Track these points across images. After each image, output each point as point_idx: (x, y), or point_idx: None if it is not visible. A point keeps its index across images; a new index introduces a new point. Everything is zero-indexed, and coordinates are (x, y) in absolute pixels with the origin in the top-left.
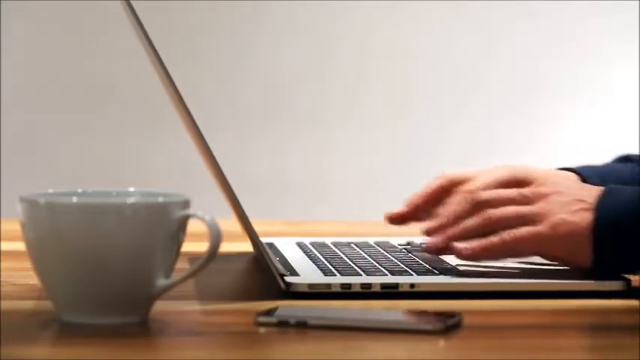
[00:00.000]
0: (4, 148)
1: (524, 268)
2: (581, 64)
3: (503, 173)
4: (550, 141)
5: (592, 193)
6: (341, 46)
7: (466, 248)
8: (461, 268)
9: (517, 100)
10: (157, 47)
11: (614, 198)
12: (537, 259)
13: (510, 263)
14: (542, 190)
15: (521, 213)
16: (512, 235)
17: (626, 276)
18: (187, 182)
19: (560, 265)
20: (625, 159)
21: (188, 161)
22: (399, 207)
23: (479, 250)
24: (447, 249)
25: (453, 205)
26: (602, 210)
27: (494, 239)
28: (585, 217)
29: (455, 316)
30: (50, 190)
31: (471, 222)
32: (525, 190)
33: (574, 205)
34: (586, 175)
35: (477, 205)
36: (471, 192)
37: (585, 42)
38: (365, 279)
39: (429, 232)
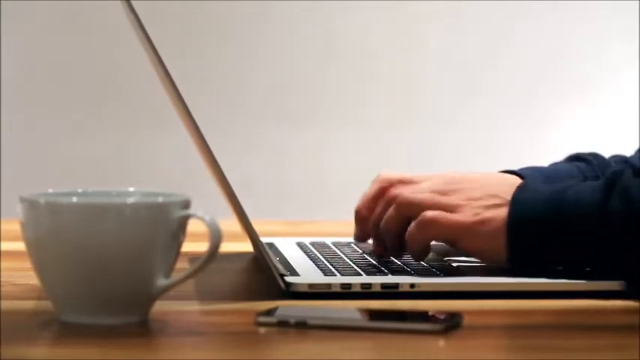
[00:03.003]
0: (4, 148)
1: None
2: (583, 65)
3: (437, 182)
4: (551, 141)
5: (508, 189)
6: (342, 47)
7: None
8: (461, 268)
9: (518, 101)
10: (157, 47)
11: (529, 194)
12: None
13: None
14: (457, 186)
15: (436, 200)
16: (430, 215)
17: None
18: (187, 182)
19: (476, 260)
20: (575, 158)
21: (188, 161)
22: (354, 227)
23: (407, 239)
24: (383, 250)
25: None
26: (517, 205)
27: (413, 223)
28: (500, 213)
29: (455, 316)
30: (50, 190)
31: (388, 213)
32: (439, 186)
33: (488, 201)
34: (530, 177)
35: (392, 200)
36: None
37: (586, 43)
38: (365, 279)
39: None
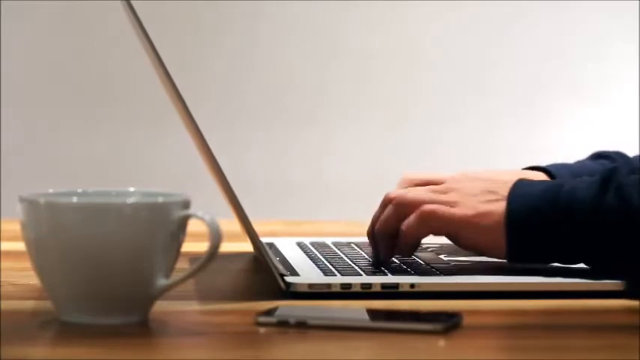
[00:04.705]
0: (4, 148)
1: (523, 269)
2: (583, 65)
3: (434, 187)
4: (552, 141)
5: (503, 185)
6: (342, 46)
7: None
8: (461, 267)
9: (518, 101)
10: (157, 47)
11: (527, 188)
12: None
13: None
14: (452, 184)
15: (434, 197)
16: (429, 207)
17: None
18: (187, 182)
19: (475, 254)
20: (598, 156)
21: (188, 161)
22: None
23: (403, 230)
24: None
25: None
26: (514, 199)
27: (412, 216)
28: (498, 207)
29: (455, 316)
30: (50, 190)
31: (385, 213)
32: (435, 187)
33: (485, 196)
34: (557, 173)
35: (390, 201)
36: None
37: (586, 43)
38: (365, 279)
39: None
